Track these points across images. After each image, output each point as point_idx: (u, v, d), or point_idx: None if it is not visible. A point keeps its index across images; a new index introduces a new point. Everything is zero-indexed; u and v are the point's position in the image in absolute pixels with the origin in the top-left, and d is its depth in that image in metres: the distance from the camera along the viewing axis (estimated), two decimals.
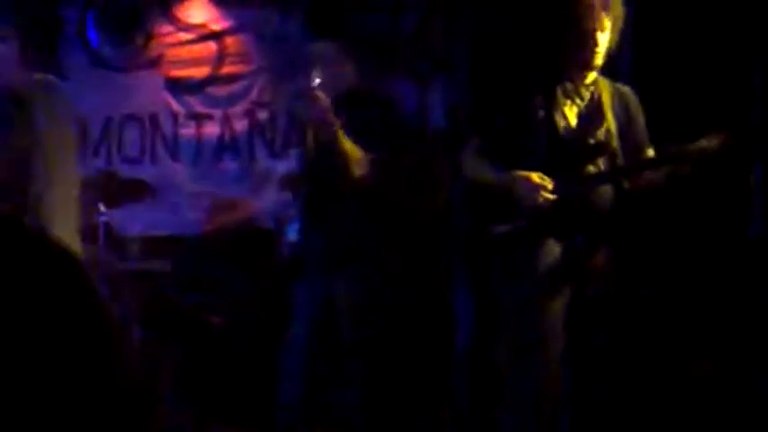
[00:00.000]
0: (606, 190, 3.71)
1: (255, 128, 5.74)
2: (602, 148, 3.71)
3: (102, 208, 4.80)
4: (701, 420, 4.13)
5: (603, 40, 3.61)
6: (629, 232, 3.80)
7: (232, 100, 5.74)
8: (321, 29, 5.70)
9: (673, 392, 4.25)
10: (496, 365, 4.06)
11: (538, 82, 3.73)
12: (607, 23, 3.59)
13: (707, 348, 4.33)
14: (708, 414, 4.13)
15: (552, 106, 3.69)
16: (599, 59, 3.65)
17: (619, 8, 3.62)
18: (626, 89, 3.78)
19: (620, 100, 3.75)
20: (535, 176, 3.62)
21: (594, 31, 3.59)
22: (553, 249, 3.65)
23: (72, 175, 3.77)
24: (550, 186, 3.61)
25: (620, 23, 3.63)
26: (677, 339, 4.40)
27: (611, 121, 3.71)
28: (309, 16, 5.73)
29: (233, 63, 5.76)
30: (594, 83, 3.72)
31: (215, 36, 5.85)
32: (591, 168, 3.70)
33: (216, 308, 5.11)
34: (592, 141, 3.70)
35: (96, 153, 5.82)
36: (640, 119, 3.78)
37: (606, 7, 3.58)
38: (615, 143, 3.70)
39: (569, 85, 3.72)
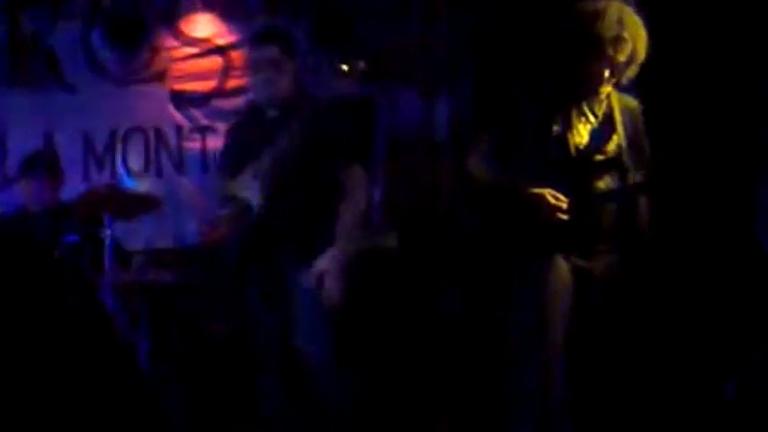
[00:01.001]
0: (611, 206, 3.72)
1: None
2: (612, 163, 3.71)
3: (107, 221, 4.80)
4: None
5: (621, 57, 3.59)
6: (635, 242, 3.80)
7: (237, 113, 5.74)
8: (327, 39, 5.74)
9: (677, 400, 4.26)
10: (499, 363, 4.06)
11: (554, 99, 3.73)
12: (626, 40, 3.58)
13: (711, 355, 4.34)
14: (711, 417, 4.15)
15: (567, 124, 3.68)
16: (617, 77, 3.65)
17: (635, 26, 3.60)
18: (634, 103, 3.77)
19: (629, 114, 3.75)
20: (549, 196, 3.61)
21: (609, 47, 3.58)
22: (561, 263, 3.66)
23: None
24: (564, 206, 3.61)
25: (641, 41, 3.61)
26: (681, 347, 4.41)
27: (621, 136, 3.71)
28: (315, 27, 5.75)
29: (238, 77, 5.78)
30: (608, 96, 3.72)
31: (220, 50, 5.88)
32: (600, 184, 3.70)
33: (219, 317, 5.12)
34: (601, 157, 3.70)
35: (101, 166, 5.82)
36: (644, 134, 3.79)
37: (622, 23, 3.57)
38: (625, 157, 3.70)
39: (584, 102, 3.72)
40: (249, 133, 4.24)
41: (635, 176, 3.70)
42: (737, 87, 4.41)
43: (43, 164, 5.01)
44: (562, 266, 3.66)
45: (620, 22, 3.56)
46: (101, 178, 5.72)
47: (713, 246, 4.46)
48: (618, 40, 3.57)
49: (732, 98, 4.40)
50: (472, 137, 4.08)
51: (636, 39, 3.58)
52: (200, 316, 5.24)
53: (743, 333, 4.23)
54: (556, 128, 3.67)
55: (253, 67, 4.20)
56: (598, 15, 3.58)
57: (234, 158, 4.25)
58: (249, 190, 4.12)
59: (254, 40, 4.25)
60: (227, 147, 4.42)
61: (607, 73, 3.62)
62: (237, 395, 4.68)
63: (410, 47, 5.70)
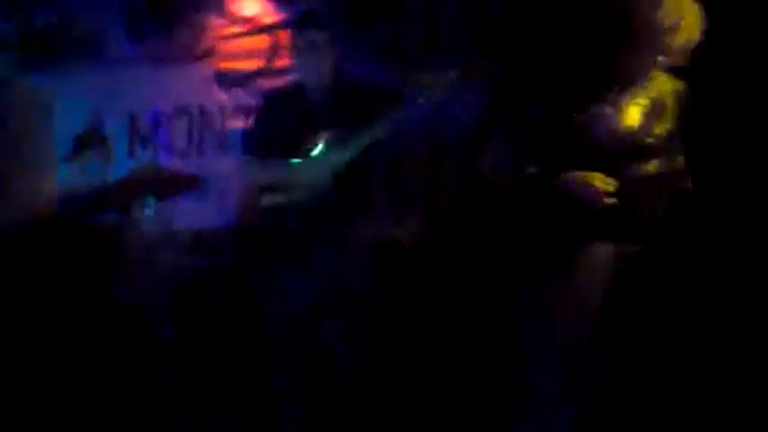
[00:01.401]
0: (659, 190, 3.68)
1: None
2: (661, 147, 3.67)
3: (150, 201, 4.81)
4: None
5: (676, 43, 3.53)
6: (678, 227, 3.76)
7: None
8: (361, 24, 5.67)
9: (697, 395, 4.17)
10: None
11: (604, 81, 3.67)
12: (683, 27, 3.51)
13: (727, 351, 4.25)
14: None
15: (617, 105, 3.64)
16: (669, 62, 3.59)
17: (692, 11, 3.53)
18: (681, 85, 3.74)
19: (676, 96, 3.72)
20: (598, 180, 3.56)
21: (666, 36, 3.52)
22: (601, 249, 3.62)
23: None
24: (612, 188, 3.56)
25: (697, 26, 3.54)
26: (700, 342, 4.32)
27: (671, 118, 3.68)
28: (351, 11, 5.69)
29: (285, 56, 5.72)
30: (659, 78, 3.68)
31: (267, 29, 5.84)
32: (649, 168, 3.65)
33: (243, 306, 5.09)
34: (651, 140, 3.65)
35: (145, 146, 5.81)
36: (686, 118, 3.74)
37: (680, 10, 3.51)
38: (673, 141, 3.67)
39: (635, 86, 3.66)
40: (286, 115, 4.23)
41: (681, 160, 3.68)
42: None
43: (93, 143, 5.04)
44: (602, 253, 3.63)
45: (679, 8, 3.50)
46: (145, 157, 5.71)
47: (743, 238, 4.38)
48: (675, 28, 3.51)
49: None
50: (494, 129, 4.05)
51: (693, 24, 3.52)
52: (229, 303, 5.21)
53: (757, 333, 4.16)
54: (609, 110, 3.63)
55: (294, 51, 4.18)
56: (656, 3, 3.51)
57: (269, 139, 4.24)
58: (310, 173, 4.08)
59: (294, 24, 4.24)
60: (259, 126, 4.40)
61: (661, 59, 3.58)
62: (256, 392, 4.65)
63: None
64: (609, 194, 3.53)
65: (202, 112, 5.84)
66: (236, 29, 5.87)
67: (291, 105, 4.23)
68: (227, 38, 5.88)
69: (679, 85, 3.69)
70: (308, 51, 4.06)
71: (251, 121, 5.34)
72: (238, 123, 5.82)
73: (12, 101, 4.81)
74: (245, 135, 4.49)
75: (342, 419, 4.10)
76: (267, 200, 4.12)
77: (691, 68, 3.69)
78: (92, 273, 4.41)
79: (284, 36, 5.76)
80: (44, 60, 5.56)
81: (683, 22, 3.49)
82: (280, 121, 4.23)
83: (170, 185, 4.99)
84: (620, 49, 3.58)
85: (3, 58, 5.29)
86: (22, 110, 4.58)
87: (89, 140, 5.06)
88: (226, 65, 5.85)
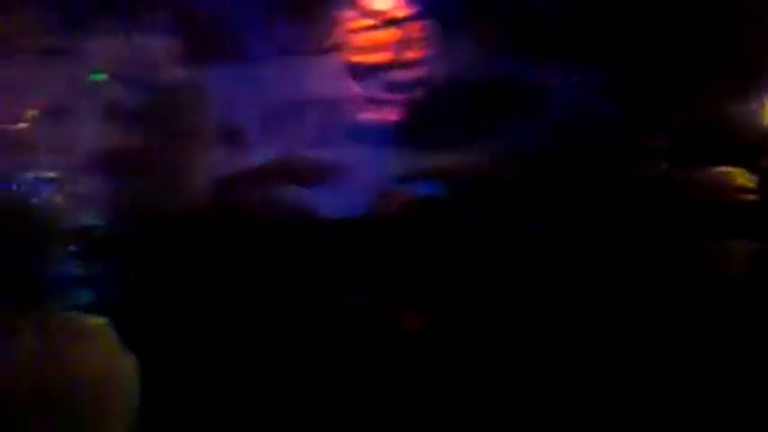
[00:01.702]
0: None
1: None
2: None
3: (284, 191, 4.90)
4: None
5: None
6: None
7: (413, 85, 5.77)
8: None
9: None
10: None
11: (750, 77, 3.66)
12: None
13: None
14: None
15: (761, 101, 3.62)
16: None
17: None
18: None
19: None
20: (740, 176, 3.55)
21: None
22: (740, 247, 3.60)
23: None
24: (753, 185, 3.55)
25: None
26: None
27: None
28: None
29: (415, 49, 5.79)
30: None
31: (398, 22, 5.90)
32: None
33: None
34: None
35: (278, 137, 5.92)
36: None
37: None
38: None
39: None
40: (427, 107, 4.26)
41: None
42: None
43: (232, 134, 5.16)
44: (740, 249, 3.60)
45: None
46: (280, 147, 5.83)
47: None
48: None
49: None
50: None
51: None
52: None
53: None
54: (753, 106, 3.61)
55: (437, 42, 4.21)
56: None
57: (410, 130, 4.28)
58: (450, 164, 4.15)
59: (437, 16, 4.26)
60: (400, 117, 4.44)
61: None
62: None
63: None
64: (750, 191, 3.51)
65: (334, 103, 5.94)
66: (367, 22, 5.95)
67: (432, 97, 4.29)
68: (358, 31, 5.96)
69: None
70: (451, 43, 4.10)
71: (388, 112, 5.43)
72: (369, 115, 5.91)
73: (178, 94, 4.96)
74: (384, 126, 4.54)
75: None
76: (406, 190, 4.18)
77: None
78: (238, 257, 4.54)
79: (415, 29, 5.84)
80: (196, 53, 5.72)
81: None
82: (419, 112, 4.29)
83: (309, 174, 5.08)
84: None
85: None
86: (185, 102, 4.70)
87: (228, 131, 5.18)
88: (357, 58, 5.93)
